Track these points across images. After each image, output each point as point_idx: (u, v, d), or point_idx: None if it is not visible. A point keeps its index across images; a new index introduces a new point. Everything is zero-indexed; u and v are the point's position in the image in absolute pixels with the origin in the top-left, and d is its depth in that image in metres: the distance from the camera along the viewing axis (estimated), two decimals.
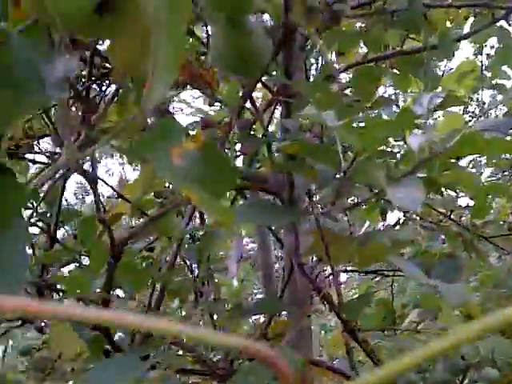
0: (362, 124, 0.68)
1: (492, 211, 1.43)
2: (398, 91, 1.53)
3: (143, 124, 1.08)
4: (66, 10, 0.30)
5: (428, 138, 0.58)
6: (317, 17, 0.92)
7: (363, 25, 1.37)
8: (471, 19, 1.30)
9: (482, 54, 1.63)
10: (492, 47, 1.57)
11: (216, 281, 1.56)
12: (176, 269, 0.99)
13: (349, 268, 1.42)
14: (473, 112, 2.78)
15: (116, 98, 1.06)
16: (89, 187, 0.92)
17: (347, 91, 1.45)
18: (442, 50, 1.14)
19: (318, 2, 0.88)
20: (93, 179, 0.84)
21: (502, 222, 1.54)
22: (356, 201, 0.79)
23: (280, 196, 0.92)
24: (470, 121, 1.70)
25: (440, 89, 1.84)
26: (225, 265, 2.14)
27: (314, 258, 1.51)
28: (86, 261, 1.07)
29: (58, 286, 0.99)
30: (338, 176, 0.73)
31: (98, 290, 0.90)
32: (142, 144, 0.40)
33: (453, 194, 1.32)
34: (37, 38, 0.33)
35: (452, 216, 1.34)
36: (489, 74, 1.69)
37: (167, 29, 0.29)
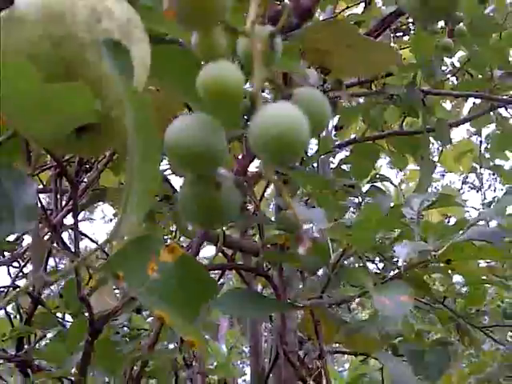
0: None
1: (487, 298, 1.40)
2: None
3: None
4: (40, 135, 0.28)
5: (415, 248, 0.56)
6: None
7: (362, 101, 1.38)
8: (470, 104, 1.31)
9: (480, 136, 1.64)
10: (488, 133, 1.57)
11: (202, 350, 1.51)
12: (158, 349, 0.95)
13: (338, 349, 1.38)
14: (472, 183, 2.77)
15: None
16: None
17: (344, 166, 1.45)
18: (438, 134, 1.14)
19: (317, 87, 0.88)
20: (74, 253, 0.82)
21: (497, 307, 1.50)
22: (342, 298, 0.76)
23: (271, 280, 0.90)
24: (464, 191, 1.69)
25: (438, 165, 1.84)
26: (214, 331, 2.08)
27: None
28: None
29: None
30: (326, 272, 0.71)
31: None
32: (116, 260, 0.38)
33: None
34: (12, 157, 0.32)
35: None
36: (487, 155, 1.70)
37: (139, 171, 0.28)
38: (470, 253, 0.64)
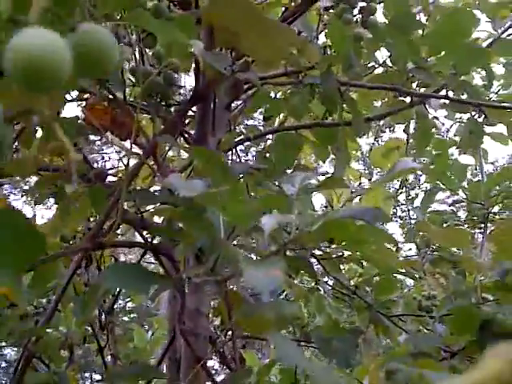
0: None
1: (402, 289, 1.43)
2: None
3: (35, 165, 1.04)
4: None
5: (282, 219, 0.56)
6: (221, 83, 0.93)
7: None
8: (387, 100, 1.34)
9: (408, 135, 1.68)
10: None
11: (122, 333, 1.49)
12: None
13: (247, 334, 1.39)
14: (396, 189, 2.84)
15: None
16: None
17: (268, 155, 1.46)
18: (355, 127, 1.16)
19: (225, 68, 0.88)
20: None
21: (413, 299, 1.54)
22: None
23: (170, 257, 0.90)
24: (393, 195, 1.73)
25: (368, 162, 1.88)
26: (151, 313, 2.06)
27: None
28: None
29: None
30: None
31: None
32: None
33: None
34: None
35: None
36: (413, 152, 1.74)
37: None
38: (350, 231, 0.66)
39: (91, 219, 1.48)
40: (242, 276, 0.60)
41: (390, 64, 1.26)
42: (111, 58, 0.23)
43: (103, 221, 0.92)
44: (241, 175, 0.91)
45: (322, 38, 1.38)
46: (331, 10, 1.34)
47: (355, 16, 1.05)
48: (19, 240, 0.38)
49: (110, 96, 0.97)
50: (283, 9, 1.36)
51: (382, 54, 1.32)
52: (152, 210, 0.85)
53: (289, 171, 1.36)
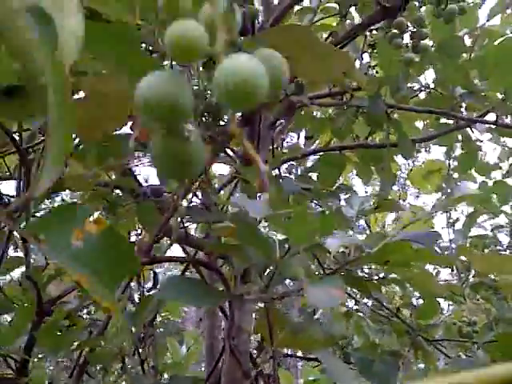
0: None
1: (445, 313, 1.42)
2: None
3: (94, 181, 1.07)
4: None
5: (346, 240, 0.58)
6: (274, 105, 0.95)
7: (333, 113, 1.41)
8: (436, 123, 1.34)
9: (450, 157, 1.68)
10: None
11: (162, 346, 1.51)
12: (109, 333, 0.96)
13: (290, 353, 1.39)
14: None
15: None
16: None
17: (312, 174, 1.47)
18: (401, 149, 1.16)
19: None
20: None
21: (453, 324, 1.52)
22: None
23: (220, 273, 0.91)
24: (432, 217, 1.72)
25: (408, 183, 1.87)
26: (179, 328, 2.08)
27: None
28: None
29: None
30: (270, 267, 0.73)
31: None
32: (38, 223, 0.39)
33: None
34: None
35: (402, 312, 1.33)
36: (456, 175, 1.73)
37: (54, 131, 0.30)
38: (406, 254, 0.66)
39: (131, 233, 1.51)
40: (304, 294, 0.62)
41: (433, 86, 1.27)
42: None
43: (157, 236, 0.94)
44: (291, 194, 0.93)
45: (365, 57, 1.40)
46: (374, 32, 1.36)
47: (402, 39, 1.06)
48: (120, 260, 0.40)
49: None
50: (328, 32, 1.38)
51: (426, 77, 1.33)
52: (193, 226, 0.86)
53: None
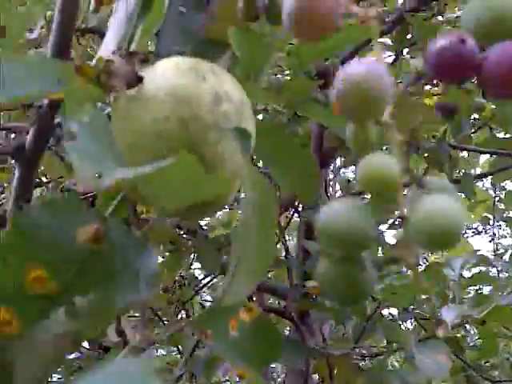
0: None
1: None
2: None
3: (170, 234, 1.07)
4: (168, 209, 0.31)
5: (461, 311, 0.58)
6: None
7: None
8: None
9: (495, 187, 1.67)
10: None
11: None
12: None
13: None
14: (475, 228, 2.80)
15: None
16: None
17: None
18: (463, 187, 1.16)
19: None
20: None
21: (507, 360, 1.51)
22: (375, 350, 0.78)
23: (296, 324, 0.91)
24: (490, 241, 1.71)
25: None
26: None
27: None
28: None
29: None
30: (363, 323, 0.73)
31: None
32: (204, 318, 0.40)
33: None
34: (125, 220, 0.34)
35: None
36: (502, 206, 1.73)
37: (257, 249, 0.31)
38: (506, 315, 0.67)
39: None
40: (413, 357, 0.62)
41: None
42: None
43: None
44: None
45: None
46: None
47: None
48: (269, 348, 0.41)
49: None
50: None
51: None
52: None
53: None
